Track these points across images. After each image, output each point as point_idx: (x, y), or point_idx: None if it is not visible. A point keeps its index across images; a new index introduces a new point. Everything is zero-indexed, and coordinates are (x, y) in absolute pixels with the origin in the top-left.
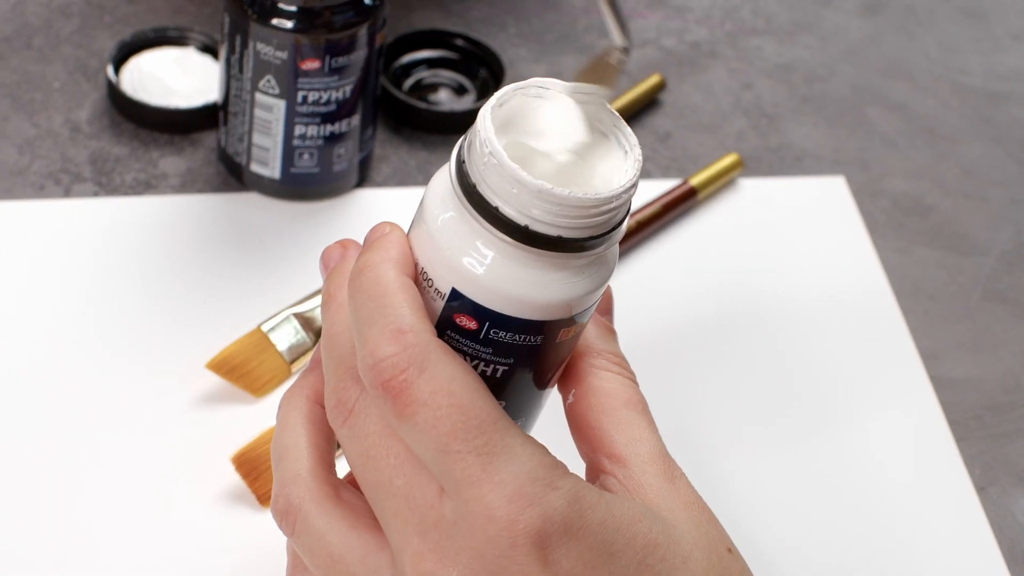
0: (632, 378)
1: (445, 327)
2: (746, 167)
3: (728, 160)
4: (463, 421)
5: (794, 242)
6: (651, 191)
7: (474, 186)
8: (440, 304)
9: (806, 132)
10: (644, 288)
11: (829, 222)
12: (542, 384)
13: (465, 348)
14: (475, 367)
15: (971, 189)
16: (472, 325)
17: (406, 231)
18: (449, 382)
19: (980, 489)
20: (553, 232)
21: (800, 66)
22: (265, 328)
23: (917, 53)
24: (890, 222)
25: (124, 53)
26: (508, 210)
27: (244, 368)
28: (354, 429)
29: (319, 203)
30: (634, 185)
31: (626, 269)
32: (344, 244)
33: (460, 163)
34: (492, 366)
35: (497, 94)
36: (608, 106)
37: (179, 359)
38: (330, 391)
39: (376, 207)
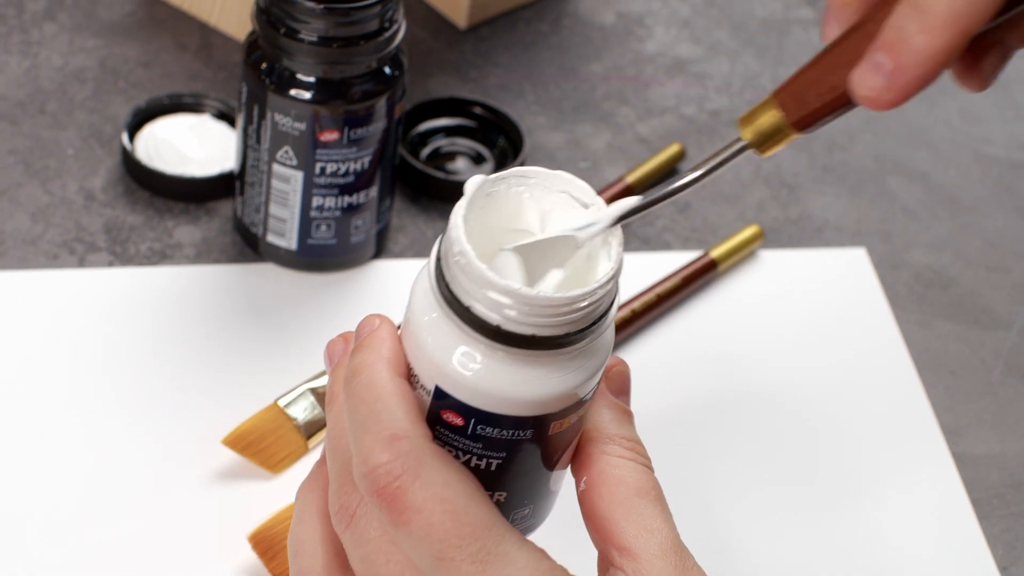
0: (647, 464)
1: (434, 422)
2: (766, 238)
3: (749, 232)
4: (456, 528)
5: (815, 315)
6: (671, 263)
7: (448, 285)
8: (427, 400)
9: (827, 202)
10: (663, 362)
11: (850, 295)
12: (549, 467)
13: (455, 443)
14: (467, 461)
15: (994, 261)
16: (459, 421)
17: (398, 321)
18: (443, 488)
19: (1003, 568)
20: (527, 331)
21: (820, 135)
22: (282, 403)
23: (938, 122)
24: (911, 295)
25: (139, 120)
26: (481, 309)
27: (261, 444)
28: (355, 534)
29: (336, 274)
30: (610, 280)
31: (645, 343)
32: (347, 338)
33: (438, 261)
34: (484, 460)
35: (471, 188)
36: (592, 194)
37: (194, 434)
38: (333, 494)
39: (393, 278)
